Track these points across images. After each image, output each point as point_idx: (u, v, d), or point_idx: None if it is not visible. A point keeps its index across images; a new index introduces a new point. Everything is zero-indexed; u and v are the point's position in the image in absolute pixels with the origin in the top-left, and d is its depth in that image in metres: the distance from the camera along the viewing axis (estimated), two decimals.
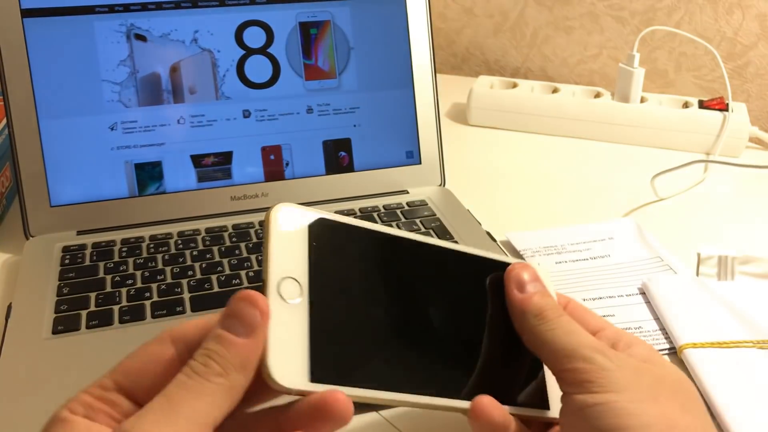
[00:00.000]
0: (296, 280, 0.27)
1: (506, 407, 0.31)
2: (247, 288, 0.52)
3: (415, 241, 0.33)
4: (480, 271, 0.35)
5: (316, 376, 0.26)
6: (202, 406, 0.25)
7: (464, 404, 0.30)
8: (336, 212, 0.62)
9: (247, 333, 0.26)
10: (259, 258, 0.55)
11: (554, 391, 0.34)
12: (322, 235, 0.29)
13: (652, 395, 0.30)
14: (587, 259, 0.58)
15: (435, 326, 0.31)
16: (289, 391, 0.26)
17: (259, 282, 0.53)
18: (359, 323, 0.29)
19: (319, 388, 0.26)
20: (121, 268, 0.54)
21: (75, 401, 0.26)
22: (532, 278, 0.34)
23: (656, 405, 0.29)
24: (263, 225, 0.27)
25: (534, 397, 0.33)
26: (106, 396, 0.27)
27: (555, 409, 0.33)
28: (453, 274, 0.34)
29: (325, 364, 0.26)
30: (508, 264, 0.35)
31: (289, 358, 0.26)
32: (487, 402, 0.31)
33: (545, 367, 0.34)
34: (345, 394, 0.26)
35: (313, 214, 0.29)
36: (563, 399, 0.31)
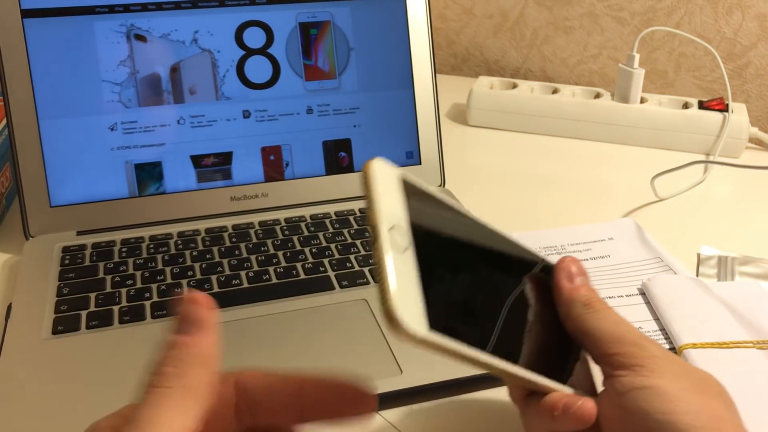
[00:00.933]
0: (401, 229, 0.27)
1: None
2: (247, 287, 0.52)
3: (487, 226, 0.34)
4: (527, 262, 0.36)
5: (432, 326, 0.25)
6: (168, 416, 0.24)
7: (563, 388, 0.32)
8: (336, 212, 0.62)
9: (197, 328, 0.26)
10: (259, 258, 0.55)
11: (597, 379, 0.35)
12: (412, 193, 0.29)
13: (700, 389, 0.30)
14: (587, 260, 0.58)
15: (518, 306, 0.33)
16: (413, 339, 0.24)
17: (259, 282, 0.53)
18: (453, 282, 0.29)
19: (437, 339, 0.25)
20: (121, 269, 0.54)
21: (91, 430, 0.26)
22: (581, 272, 0.36)
23: (704, 397, 0.30)
24: (362, 178, 0.27)
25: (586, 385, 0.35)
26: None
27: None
28: (511, 258, 0.35)
29: (437, 315, 0.26)
30: (543, 262, 0.37)
31: (408, 305, 0.25)
32: (590, 406, 0.32)
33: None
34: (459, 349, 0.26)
35: (404, 176, 0.29)
36: (607, 382, 0.32)
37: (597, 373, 0.35)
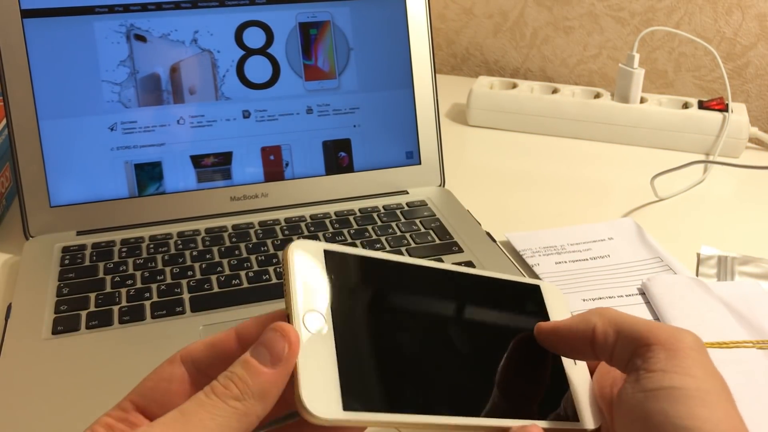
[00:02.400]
0: (320, 313, 0.28)
1: (540, 423, 0.31)
2: (247, 287, 0.52)
3: (426, 266, 0.33)
4: (494, 291, 0.35)
5: (348, 405, 0.26)
6: (213, 426, 0.25)
7: (501, 423, 0.30)
8: (336, 212, 0.62)
9: (273, 363, 0.26)
10: (259, 258, 0.55)
11: (583, 403, 0.34)
12: (338, 267, 0.29)
13: (725, 395, 0.29)
14: (587, 260, 0.58)
15: (457, 347, 0.32)
16: (324, 422, 0.26)
17: (259, 282, 0.53)
18: (384, 350, 0.29)
19: (353, 416, 0.26)
20: (121, 269, 0.54)
21: (97, 424, 0.27)
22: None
23: (727, 405, 0.29)
24: (282, 263, 0.29)
25: (565, 410, 0.33)
26: (125, 417, 0.28)
27: (586, 421, 0.33)
28: (467, 295, 0.34)
29: (356, 392, 0.27)
30: (522, 283, 0.36)
31: (320, 389, 0.26)
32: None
33: (571, 381, 0.34)
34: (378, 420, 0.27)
35: (328, 247, 0.30)
36: (630, 378, 0.30)
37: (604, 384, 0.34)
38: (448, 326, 0.32)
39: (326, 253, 0.29)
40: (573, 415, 0.33)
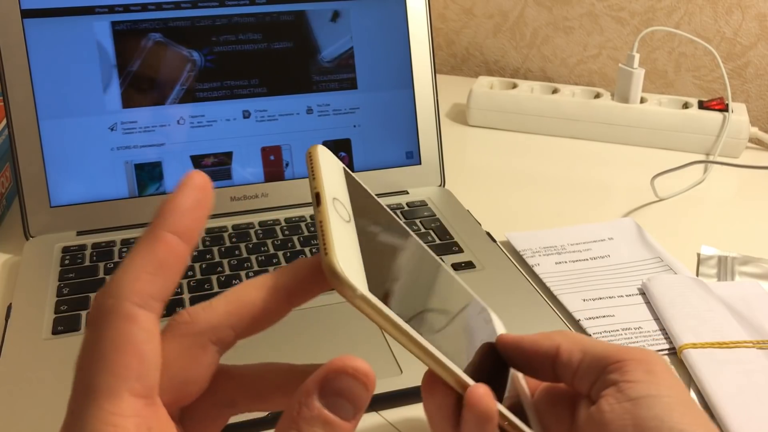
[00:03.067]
0: (343, 204, 0.28)
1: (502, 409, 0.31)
2: None
3: (406, 230, 0.34)
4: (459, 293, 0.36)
5: (371, 287, 0.25)
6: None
7: (465, 378, 0.30)
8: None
9: (355, 415, 0.23)
10: (259, 258, 0.55)
11: (530, 413, 0.34)
12: (351, 182, 0.30)
13: (693, 403, 0.30)
14: (587, 260, 0.58)
15: (437, 308, 0.33)
16: (353, 291, 0.24)
17: None
18: (384, 262, 0.30)
19: (372, 301, 0.25)
20: None
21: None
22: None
23: (698, 413, 0.30)
24: (308, 156, 0.29)
25: (517, 411, 0.33)
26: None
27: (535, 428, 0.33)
28: (436, 276, 0.35)
29: (375, 280, 0.26)
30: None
31: (350, 264, 0.25)
32: (483, 391, 0.29)
33: (522, 388, 0.35)
34: (391, 315, 0.26)
35: (343, 165, 0.31)
36: (612, 390, 0.30)
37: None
38: (426, 283, 0.33)
39: (344, 170, 0.31)
40: (524, 419, 0.33)
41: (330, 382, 0.23)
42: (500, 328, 0.37)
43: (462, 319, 0.34)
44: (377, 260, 0.28)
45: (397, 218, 0.34)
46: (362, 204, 0.30)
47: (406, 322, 0.27)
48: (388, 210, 0.34)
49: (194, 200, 0.25)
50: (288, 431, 0.22)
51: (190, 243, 0.24)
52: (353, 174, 0.32)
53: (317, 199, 0.27)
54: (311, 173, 0.28)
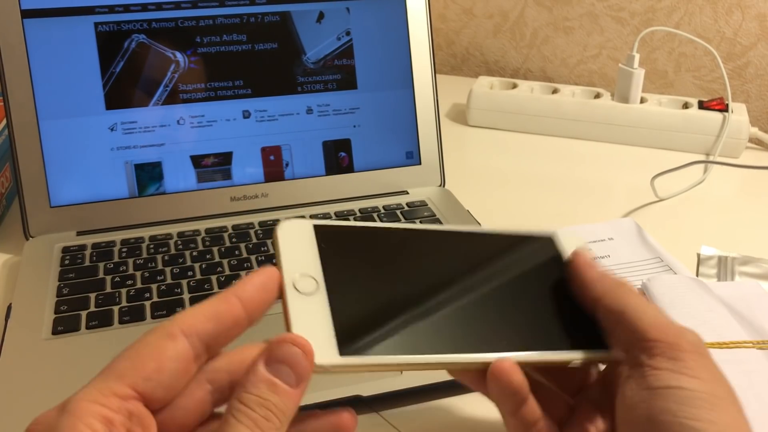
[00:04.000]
0: (310, 276, 0.29)
1: (554, 352, 0.32)
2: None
3: (408, 228, 0.35)
4: (498, 245, 0.36)
5: (344, 350, 0.27)
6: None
7: (488, 357, 0.31)
8: (336, 212, 0.62)
9: (297, 383, 0.26)
10: (259, 258, 0.55)
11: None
12: (327, 237, 0.31)
13: (731, 399, 0.29)
14: None
15: (443, 293, 0.33)
16: (322, 369, 0.26)
17: None
18: (376, 299, 0.31)
19: (350, 360, 0.27)
20: (121, 269, 0.54)
21: (89, 415, 0.23)
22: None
23: (732, 409, 0.28)
24: (272, 239, 0.30)
25: (587, 338, 0.33)
26: (124, 406, 0.24)
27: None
28: (465, 250, 0.35)
29: (350, 338, 0.28)
30: (533, 236, 0.37)
31: (316, 341, 0.27)
32: (507, 365, 0.30)
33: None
34: (373, 363, 0.28)
35: (319, 222, 0.32)
36: (636, 372, 0.29)
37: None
38: (432, 275, 0.33)
39: (316, 227, 0.31)
40: (599, 342, 0.33)
41: (272, 351, 0.26)
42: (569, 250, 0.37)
43: (502, 276, 0.34)
44: (358, 306, 0.30)
45: (401, 225, 0.34)
46: (339, 251, 0.31)
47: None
48: (387, 225, 0.34)
49: (262, 281, 0.28)
50: (238, 395, 0.25)
51: (249, 313, 0.28)
52: (329, 224, 0.32)
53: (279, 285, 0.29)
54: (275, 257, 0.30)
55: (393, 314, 0.30)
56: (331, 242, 0.31)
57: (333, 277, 0.30)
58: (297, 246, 0.30)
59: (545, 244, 0.37)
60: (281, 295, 0.29)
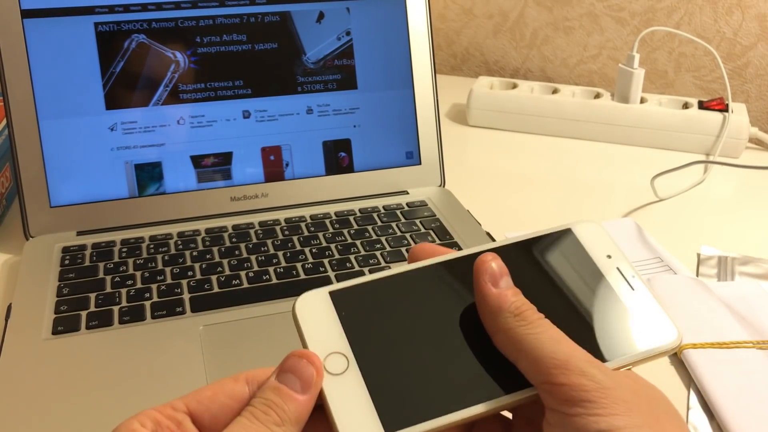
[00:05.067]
0: (339, 353, 0.29)
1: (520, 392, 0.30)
2: (247, 288, 0.52)
3: (434, 264, 0.33)
4: (521, 256, 0.33)
5: (389, 427, 0.27)
6: None
7: (528, 393, 0.29)
8: (336, 212, 0.62)
9: (303, 390, 0.27)
10: (259, 258, 0.55)
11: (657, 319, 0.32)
12: (347, 302, 0.30)
13: (654, 417, 0.27)
14: None
15: (470, 332, 0.31)
16: None
17: (259, 282, 0.53)
18: (407, 361, 0.30)
19: None
20: (121, 269, 0.54)
21: (145, 416, 0.27)
22: (504, 271, 0.30)
23: (659, 428, 0.27)
24: (293, 318, 0.29)
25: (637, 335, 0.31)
26: (174, 416, 0.27)
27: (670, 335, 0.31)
28: (465, 282, 0.33)
29: (393, 413, 0.28)
30: (549, 235, 0.34)
31: (358, 423, 0.27)
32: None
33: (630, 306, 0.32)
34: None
35: (333, 288, 0.31)
36: (551, 416, 0.28)
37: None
38: (456, 319, 0.31)
39: (332, 294, 0.30)
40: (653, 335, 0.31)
41: (281, 364, 0.28)
42: (596, 246, 0.33)
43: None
44: (393, 371, 0.29)
45: (413, 266, 0.32)
46: (365, 313, 0.30)
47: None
48: (399, 270, 0.32)
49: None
50: (250, 404, 0.27)
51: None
52: (343, 286, 0.31)
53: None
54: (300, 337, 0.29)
55: (428, 373, 0.29)
56: (349, 307, 0.30)
57: (361, 348, 0.29)
58: (318, 322, 0.30)
59: (567, 243, 0.34)
60: None
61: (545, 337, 0.28)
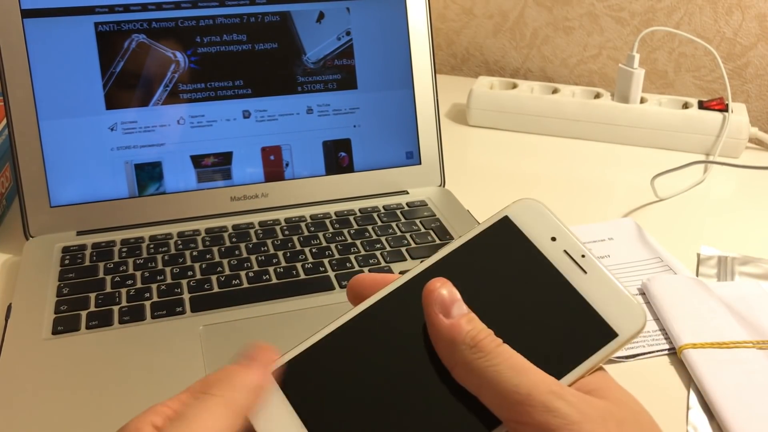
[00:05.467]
0: None
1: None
2: (247, 287, 0.52)
3: (361, 313, 0.30)
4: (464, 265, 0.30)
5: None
6: (211, 421, 0.25)
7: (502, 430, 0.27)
8: (336, 212, 0.62)
9: (250, 360, 0.28)
10: (259, 258, 0.55)
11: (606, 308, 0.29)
12: (290, 379, 0.28)
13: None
14: None
15: (436, 376, 0.28)
16: None
17: (259, 282, 0.53)
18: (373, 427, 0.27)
19: None
20: (121, 269, 0.54)
21: (153, 413, 0.25)
22: (457, 297, 0.28)
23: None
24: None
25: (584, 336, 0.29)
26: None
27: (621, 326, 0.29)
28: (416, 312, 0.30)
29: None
30: (487, 229, 0.31)
31: None
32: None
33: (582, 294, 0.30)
34: None
35: (275, 375, 0.28)
36: None
37: None
38: (429, 351, 0.28)
39: (276, 372, 0.28)
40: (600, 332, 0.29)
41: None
42: (537, 228, 0.30)
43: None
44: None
45: (348, 316, 0.30)
46: (313, 388, 0.28)
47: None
48: (335, 325, 0.29)
49: None
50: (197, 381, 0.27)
51: None
52: (287, 353, 0.29)
53: None
54: None
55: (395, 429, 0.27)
56: (295, 383, 0.28)
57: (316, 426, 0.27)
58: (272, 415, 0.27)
59: (507, 234, 0.31)
60: None
61: (504, 367, 0.26)
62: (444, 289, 0.27)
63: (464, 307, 0.27)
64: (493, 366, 0.26)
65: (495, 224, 0.31)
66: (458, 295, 0.28)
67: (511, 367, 0.26)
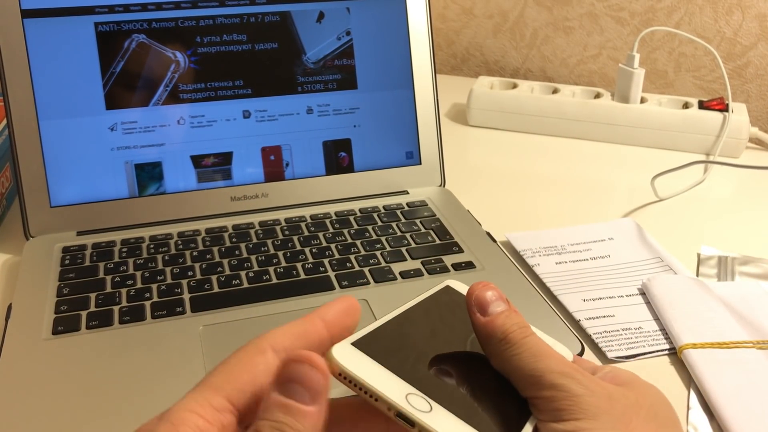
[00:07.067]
0: (414, 394, 0.27)
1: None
2: (247, 287, 0.52)
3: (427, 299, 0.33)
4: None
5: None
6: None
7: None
8: (336, 212, 0.62)
9: (313, 399, 0.24)
10: (260, 258, 0.55)
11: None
12: (369, 347, 0.29)
13: (625, 422, 0.28)
14: (587, 260, 0.58)
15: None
16: None
17: (259, 282, 0.53)
18: (467, 387, 0.30)
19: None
20: (121, 269, 0.54)
21: (187, 425, 0.24)
22: (495, 297, 0.32)
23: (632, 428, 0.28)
24: (336, 375, 0.27)
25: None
26: (219, 420, 0.25)
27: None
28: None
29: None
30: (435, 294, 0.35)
31: None
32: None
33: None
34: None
35: (353, 338, 0.29)
36: (539, 427, 0.29)
37: None
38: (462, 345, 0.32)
39: (356, 344, 0.28)
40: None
41: (282, 374, 0.24)
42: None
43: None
44: (463, 387, 0.29)
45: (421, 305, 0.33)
46: (389, 344, 0.29)
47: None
48: (408, 311, 0.32)
49: (344, 307, 0.29)
50: (254, 424, 0.24)
51: (332, 334, 0.28)
52: (364, 334, 0.29)
53: (403, 418, 0.26)
54: (363, 392, 0.26)
55: (480, 394, 0.30)
56: (377, 350, 0.29)
57: (425, 382, 0.28)
58: (372, 367, 0.27)
59: (448, 299, 0.35)
60: (411, 424, 0.26)
61: (526, 355, 0.30)
62: (482, 292, 0.32)
63: (501, 306, 0.31)
64: (518, 354, 0.30)
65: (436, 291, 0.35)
66: (495, 296, 0.32)
67: (533, 354, 0.30)
